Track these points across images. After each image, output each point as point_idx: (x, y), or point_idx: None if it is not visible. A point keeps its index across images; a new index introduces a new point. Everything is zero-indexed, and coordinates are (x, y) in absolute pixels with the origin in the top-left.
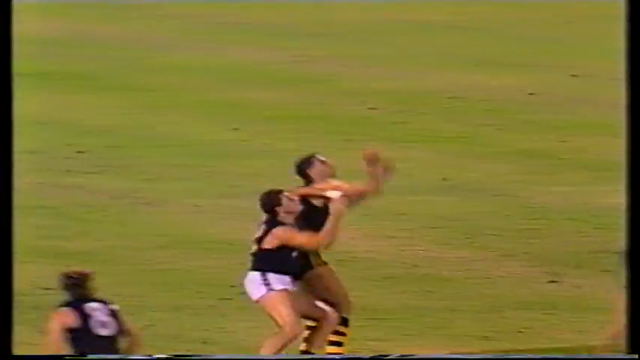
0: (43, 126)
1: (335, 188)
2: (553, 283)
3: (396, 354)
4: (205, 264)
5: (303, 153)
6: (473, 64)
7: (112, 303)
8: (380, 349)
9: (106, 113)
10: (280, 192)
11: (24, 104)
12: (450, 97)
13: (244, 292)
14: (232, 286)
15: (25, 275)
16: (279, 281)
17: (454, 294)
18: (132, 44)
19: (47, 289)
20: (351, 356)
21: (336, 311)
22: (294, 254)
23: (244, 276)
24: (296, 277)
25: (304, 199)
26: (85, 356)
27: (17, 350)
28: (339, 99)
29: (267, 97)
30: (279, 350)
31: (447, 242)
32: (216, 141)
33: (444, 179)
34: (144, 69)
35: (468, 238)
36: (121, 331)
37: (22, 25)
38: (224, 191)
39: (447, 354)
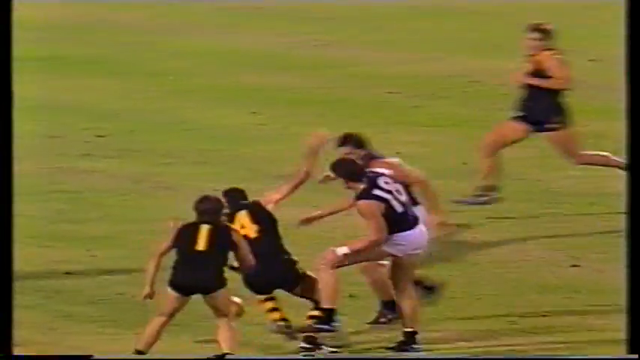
0: (62, 110)
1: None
2: (575, 267)
3: (400, 355)
4: None
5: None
6: (491, 49)
7: None
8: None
9: (123, 97)
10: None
11: (41, 89)
12: (469, 82)
13: None
14: None
15: (45, 260)
16: None
17: (477, 278)
18: (146, 29)
19: (68, 273)
20: (352, 357)
21: None
22: None
23: None
24: None
25: None
26: (90, 357)
27: (49, 335)
28: (357, 83)
29: (285, 81)
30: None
31: (469, 226)
32: (234, 125)
33: (464, 163)
34: (160, 53)
35: (489, 222)
36: None
37: (37, 11)
38: (243, 175)
39: (449, 355)
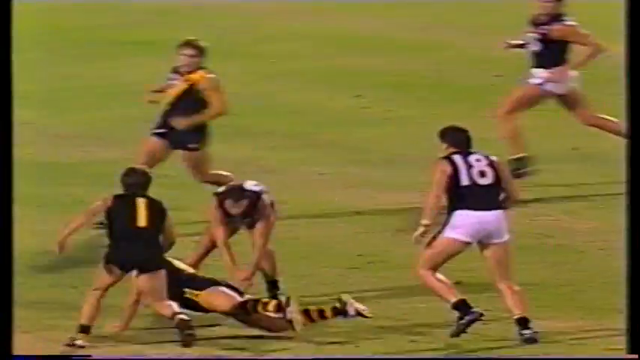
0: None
1: None
2: None
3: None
4: (331, 233)
5: (427, 120)
6: (600, 33)
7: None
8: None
9: (223, 80)
10: None
11: (140, 73)
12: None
13: (372, 262)
14: (360, 255)
15: None
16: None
17: (587, 265)
18: (244, 11)
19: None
20: (353, 356)
21: None
22: None
23: (372, 244)
24: None
25: None
26: (90, 356)
27: None
28: (464, 66)
29: (390, 64)
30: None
31: (578, 212)
32: (337, 108)
33: (574, 148)
34: (259, 36)
35: (599, 208)
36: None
37: None
38: (348, 159)
39: (450, 355)
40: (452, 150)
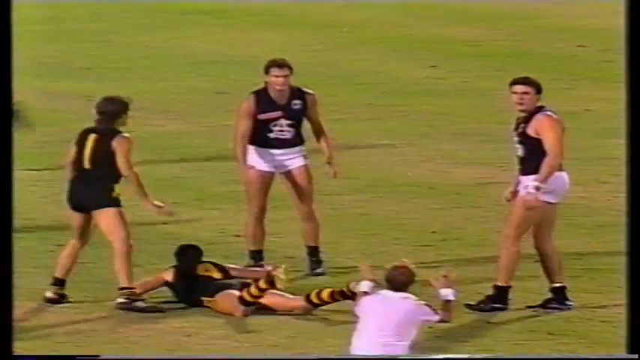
0: (229, 65)
1: None
2: None
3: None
4: (403, 208)
5: (504, 92)
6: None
7: None
8: (594, 300)
9: (292, 50)
10: None
11: (208, 43)
12: None
13: (446, 239)
14: (433, 232)
15: (212, 223)
16: None
17: None
18: None
19: (237, 236)
20: (354, 356)
21: None
22: None
23: (446, 221)
24: None
25: None
26: (98, 356)
27: None
28: (544, 36)
29: (467, 34)
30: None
31: None
32: (412, 79)
33: None
34: (333, 4)
35: None
36: None
37: None
38: (422, 131)
39: (450, 355)
40: (538, 96)
